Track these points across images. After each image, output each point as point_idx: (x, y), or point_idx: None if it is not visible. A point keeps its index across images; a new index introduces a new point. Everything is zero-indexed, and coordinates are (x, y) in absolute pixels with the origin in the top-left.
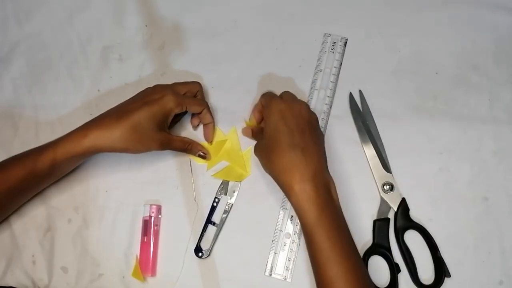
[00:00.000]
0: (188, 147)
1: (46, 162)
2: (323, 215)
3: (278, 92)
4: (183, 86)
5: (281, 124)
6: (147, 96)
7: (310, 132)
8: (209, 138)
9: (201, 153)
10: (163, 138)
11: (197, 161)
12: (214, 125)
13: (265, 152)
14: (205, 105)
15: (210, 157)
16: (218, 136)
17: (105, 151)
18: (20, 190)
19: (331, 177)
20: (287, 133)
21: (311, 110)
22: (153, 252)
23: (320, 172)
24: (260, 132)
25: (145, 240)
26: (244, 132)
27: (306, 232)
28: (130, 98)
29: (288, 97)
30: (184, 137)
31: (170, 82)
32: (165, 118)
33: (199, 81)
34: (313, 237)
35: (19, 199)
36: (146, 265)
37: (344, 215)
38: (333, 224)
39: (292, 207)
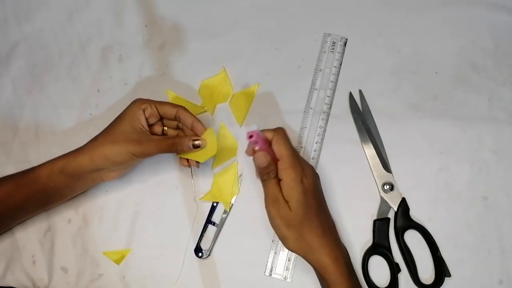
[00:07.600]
0: (175, 141)
1: (41, 183)
2: (353, 285)
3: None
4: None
5: (309, 200)
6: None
7: (324, 204)
8: (201, 130)
9: (195, 143)
10: (140, 137)
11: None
12: (198, 120)
13: (295, 227)
14: (179, 106)
15: (206, 143)
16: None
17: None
18: (21, 209)
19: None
20: (316, 212)
21: (315, 172)
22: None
23: (341, 245)
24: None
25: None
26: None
27: None
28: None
29: (303, 162)
30: (166, 136)
31: (170, 82)
32: (135, 119)
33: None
34: None
35: (20, 217)
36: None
37: (344, 215)
38: None
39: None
